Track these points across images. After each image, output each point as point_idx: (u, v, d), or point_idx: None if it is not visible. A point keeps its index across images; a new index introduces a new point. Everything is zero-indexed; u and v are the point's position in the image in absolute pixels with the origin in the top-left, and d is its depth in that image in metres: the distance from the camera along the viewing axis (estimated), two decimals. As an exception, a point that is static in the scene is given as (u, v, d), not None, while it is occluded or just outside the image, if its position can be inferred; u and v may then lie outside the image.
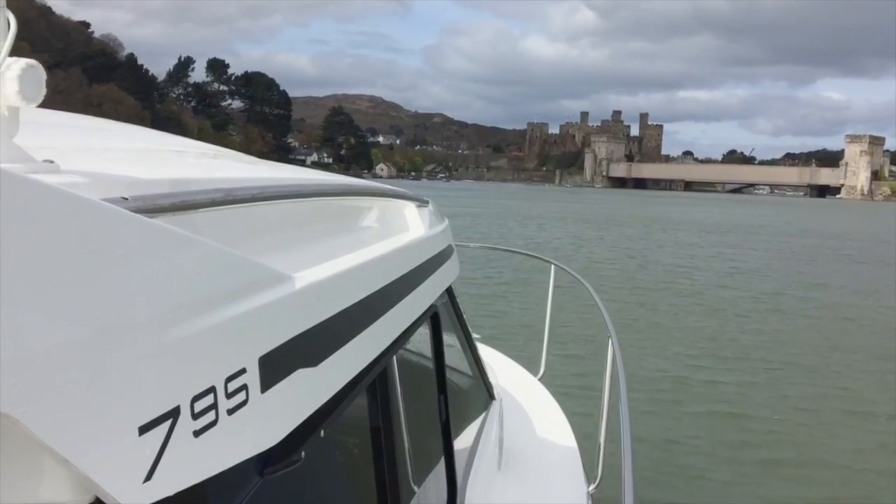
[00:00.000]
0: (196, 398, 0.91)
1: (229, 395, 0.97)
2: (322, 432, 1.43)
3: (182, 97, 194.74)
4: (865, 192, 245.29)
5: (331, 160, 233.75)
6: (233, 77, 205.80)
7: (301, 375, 1.20)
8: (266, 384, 1.07)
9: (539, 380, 4.86)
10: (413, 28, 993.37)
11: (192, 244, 0.98)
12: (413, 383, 2.22)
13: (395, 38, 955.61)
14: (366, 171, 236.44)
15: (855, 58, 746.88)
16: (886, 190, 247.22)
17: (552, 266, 5.14)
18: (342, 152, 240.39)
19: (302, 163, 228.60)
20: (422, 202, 2.60)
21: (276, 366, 1.11)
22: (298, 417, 1.20)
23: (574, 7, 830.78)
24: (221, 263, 1.03)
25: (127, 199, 0.95)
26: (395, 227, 2.28)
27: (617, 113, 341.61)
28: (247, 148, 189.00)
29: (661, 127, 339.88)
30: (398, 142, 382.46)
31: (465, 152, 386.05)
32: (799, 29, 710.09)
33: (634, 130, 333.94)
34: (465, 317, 3.20)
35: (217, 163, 2.01)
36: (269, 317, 1.12)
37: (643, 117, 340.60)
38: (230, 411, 0.97)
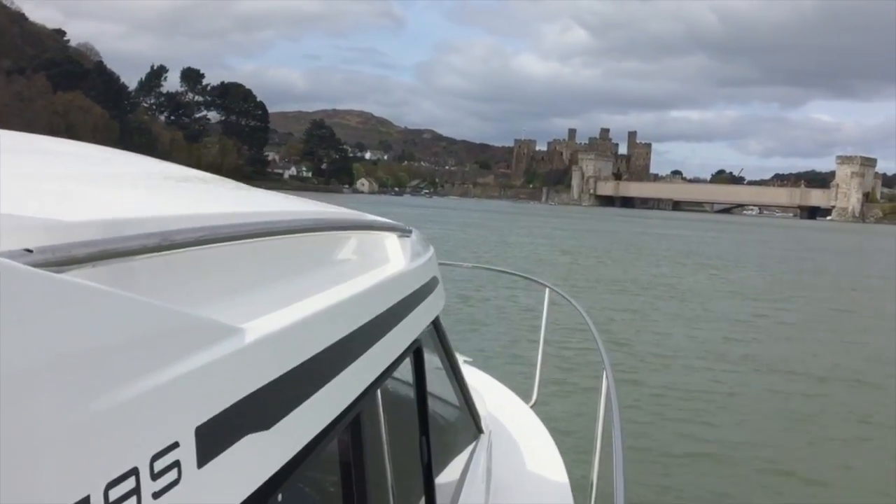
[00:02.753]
0: (112, 485, 0.78)
1: (156, 476, 0.84)
2: (280, 496, 1.27)
3: (154, 107, 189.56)
4: (857, 213, 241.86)
5: (310, 174, 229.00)
6: (208, 87, 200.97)
7: (251, 441, 1.06)
8: (204, 457, 0.94)
9: (531, 407, 4.65)
10: (405, 44, 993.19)
11: (109, 300, 0.84)
12: (394, 422, 2.05)
13: (387, 53, 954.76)
14: (346, 186, 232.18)
15: (846, 80, 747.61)
16: (878, 212, 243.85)
17: (546, 289, 4.98)
18: (323, 167, 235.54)
19: (280, 176, 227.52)
20: (404, 231, 2.43)
21: (217, 435, 0.97)
22: (248, 488, 1.06)
23: (567, 26, 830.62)
24: (149, 320, 0.90)
25: (31, 251, 0.81)
26: (373, 260, 2.12)
27: (605, 131, 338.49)
28: (222, 160, 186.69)
29: (649, 145, 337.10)
30: (386, 157, 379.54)
31: (452, 168, 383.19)
32: (791, 50, 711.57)
33: (623, 149, 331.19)
34: (451, 346, 3.12)
35: (176, 193, 1.79)
36: (210, 379, 0.97)
37: (632, 135, 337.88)
38: (157, 495, 0.84)
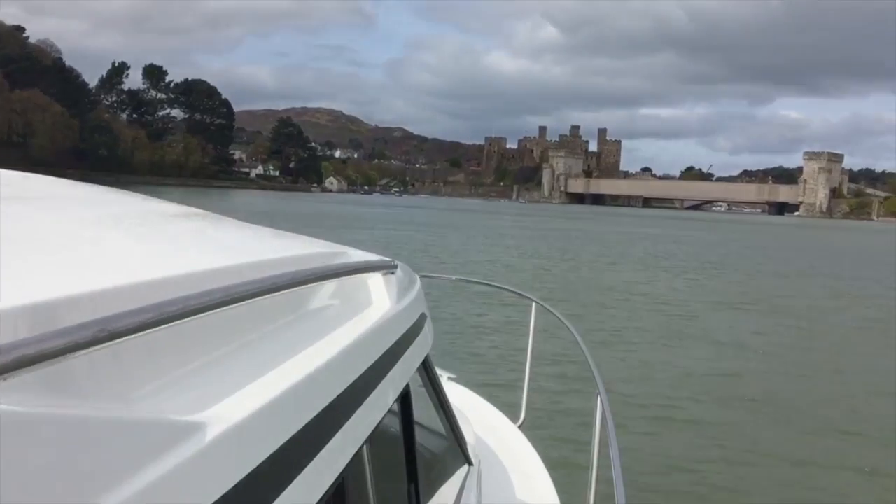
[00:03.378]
0: None
1: None
2: None
3: (116, 105, 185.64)
4: (824, 209, 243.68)
5: (278, 173, 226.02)
6: (171, 84, 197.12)
7: None
8: None
9: (519, 427, 4.52)
10: (376, 42, 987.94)
11: (45, 427, 0.73)
12: (381, 471, 1.88)
13: (358, 51, 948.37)
14: (315, 185, 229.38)
15: (813, 77, 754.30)
16: (845, 207, 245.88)
17: (533, 304, 4.80)
18: (291, 165, 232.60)
19: (246, 176, 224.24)
20: (389, 268, 2.20)
21: None
22: None
23: (538, 23, 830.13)
24: (90, 440, 0.77)
25: None
26: (355, 308, 1.92)
27: (575, 128, 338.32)
28: (186, 159, 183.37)
29: (619, 142, 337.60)
30: (356, 156, 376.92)
31: (423, 167, 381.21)
32: (759, 48, 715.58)
33: (593, 146, 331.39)
34: (439, 379, 3.00)
35: (115, 250, 1.43)
36: (169, 492, 0.85)
37: (601, 133, 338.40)
38: None
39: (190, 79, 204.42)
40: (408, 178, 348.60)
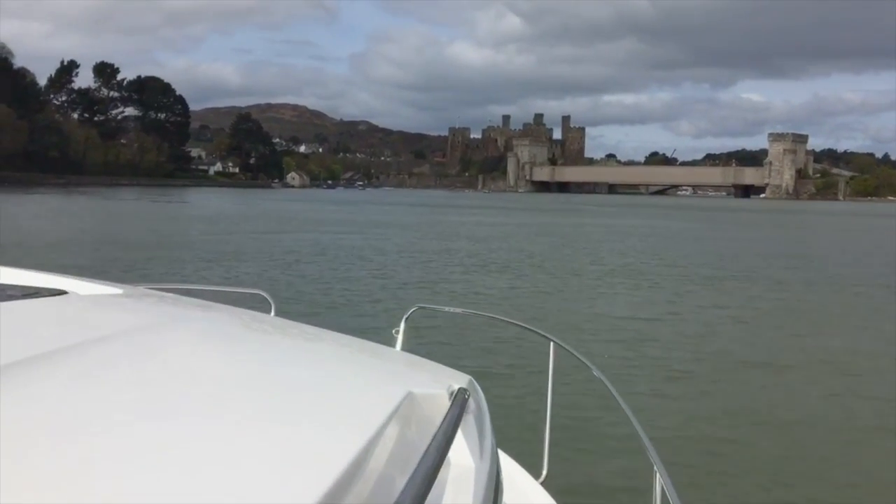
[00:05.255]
0: None
1: None
2: None
3: (66, 105, 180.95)
4: (790, 191, 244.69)
5: (237, 170, 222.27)
6: (124, 82, 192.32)
7: None
8: None
9: (541, 484, 3.90)
10: (340, 35, 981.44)
11: None
12: None
13: (321, 45, 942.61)
14: (276, 181, 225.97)
15: (774, 59, 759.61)
16: (811, 188, 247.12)
17: (551, 343, 4.12)
18: (251, 161, 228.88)
19: (205, 173, 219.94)
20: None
21: None
22: None
23: (500, 13, 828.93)
24: None
25: None
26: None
27: (539, 116, 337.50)
28: (140, 158, 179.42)
29: (583, 129, 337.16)
30: (321, 150, 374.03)
31: (388, 159, 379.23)
32: (720, 31, 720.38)
33: (557, 134, 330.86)
34: None
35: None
36: None
37: (565, 120, 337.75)
38: None
39: (143, 76, 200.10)
40: (373, 171, 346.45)
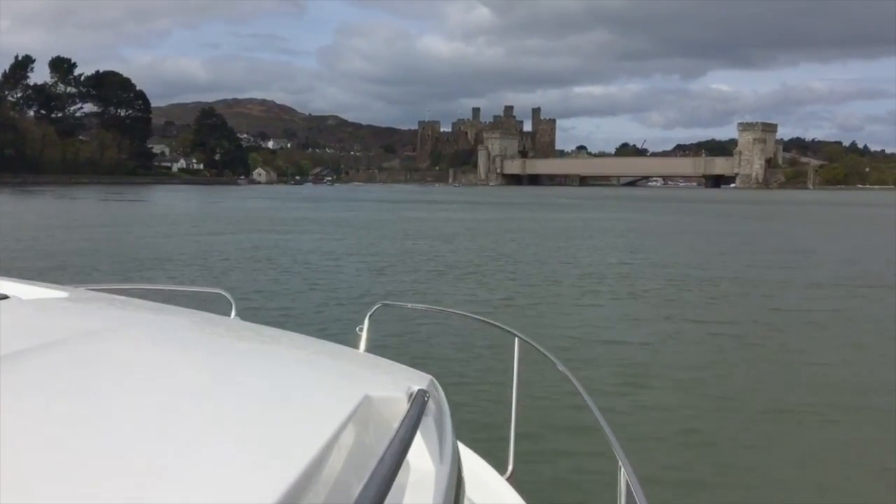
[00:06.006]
0: None
1: None
2: None
3: (22, 101, 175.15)
4: (760, 180, 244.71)
5: (202, 166, 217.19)
6: (81, 77, 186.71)
7: None
8: None
9: (507, 480, 3.87)
10: (308, 29, 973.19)
11: None
12: None
13: (289, 39, 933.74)
14: (241, 177, 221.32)
15: (742, 49, 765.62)
16: (781, 177, 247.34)
17: (516, 338, 4.08)
18: (216, 157, 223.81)
19: (168, 170, 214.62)
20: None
21: None
22: None
23: (470, 5, 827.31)
24: None
25: None
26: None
27: (509, 108, 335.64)
28: (101, 155, 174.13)
29: (553, 121, 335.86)
30: (289, 145, 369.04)
31: (358, 154, 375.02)
32: (689, 21, 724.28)
33: (528, 126, 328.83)
34: None
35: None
36: None
37: (535, 112, 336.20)
38: None
39: (101, 70, 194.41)
40: (342, 167, 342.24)
